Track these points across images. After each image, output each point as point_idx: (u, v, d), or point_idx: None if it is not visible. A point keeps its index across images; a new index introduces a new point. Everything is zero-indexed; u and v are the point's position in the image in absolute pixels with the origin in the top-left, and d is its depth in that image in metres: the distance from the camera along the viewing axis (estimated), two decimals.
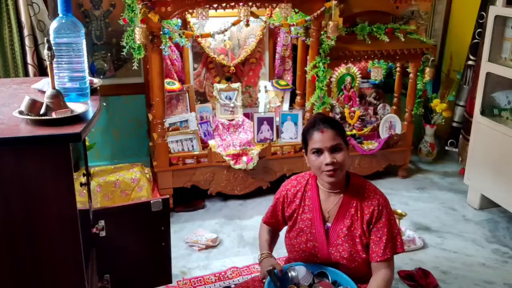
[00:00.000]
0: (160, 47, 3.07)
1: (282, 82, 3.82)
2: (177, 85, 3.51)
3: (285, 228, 2.08)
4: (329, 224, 1.90)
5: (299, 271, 1.87)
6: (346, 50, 3.48)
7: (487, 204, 3.45)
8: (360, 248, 1.85)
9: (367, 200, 1.87)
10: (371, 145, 3.79)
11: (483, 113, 3.34)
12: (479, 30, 3.75)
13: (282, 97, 3.84)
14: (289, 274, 1.87)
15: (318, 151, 1.83)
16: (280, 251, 2.15)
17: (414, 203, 3.58)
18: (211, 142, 3.51)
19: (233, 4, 3.11)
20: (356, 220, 1.86)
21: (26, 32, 3.04)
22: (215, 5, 3.08)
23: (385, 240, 1.82)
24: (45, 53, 1.36)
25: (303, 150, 1.94)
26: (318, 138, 1.83)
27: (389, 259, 1.84)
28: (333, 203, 1.91)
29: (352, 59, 3.59)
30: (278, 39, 3.82)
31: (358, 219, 1.86)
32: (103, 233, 1.91)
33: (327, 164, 1.81)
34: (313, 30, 3.36)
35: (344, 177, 1.90)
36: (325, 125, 1.84)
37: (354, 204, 1.88)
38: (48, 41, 1.35)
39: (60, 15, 1.50)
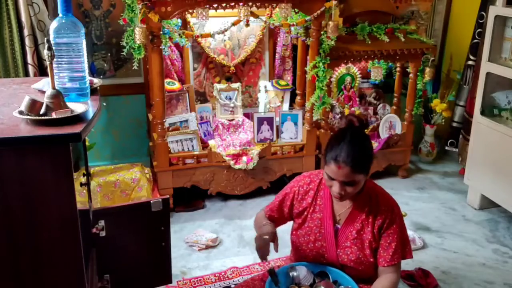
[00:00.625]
0: (160, 47, 3.07)
1: (282, 82, 3.82)
2: (177, 85, 3.51)
3: (289, 226, 2.06)
4: (338, 226, 1.90)
5: (300, 271, 1.87)
6: (346, 50, 3.47)
7: (487, 204, 3.45)
8: (369, 253, 1.84)
9: (380, 206, 1.86)
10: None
11: (483, 113, 3.34)
12: (479, 30, 3.75)
13: (282, 97, 3.84)
14: (290, 274, 1.87)
15: (331, 177, 1.78)
16: (284, 250, 2.15)
17: (414, 203, 3.58)
18: (211, 142, 3.51)
19: (233, 4, 3.11)
20: (366, 225, 1.86)
21: (26, 32, 3.04)
22: (215, 5, 3.08)
23: (395, 246, 1.82)
24: (45, 53, 1.36)
25: (323, 156, 1.90)
26: (333, 170, 1.75)
27: (396, 265, 1.84)
28: (345, 207, 1.90)
29: (352, 59, 3.59)
30: (278, 39, 3.82)
31: (369, 224, 1.85)
32: (103, 233, 1.91)
33: (334, 191, 1.80)
34: (313, 30, 3.36)
35: None
36: (345, 160, 1.71)
37: (366, 209, 1.87)
38: (48, 41, 1.35)
39: (60, 15, 1.50)
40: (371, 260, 1.85)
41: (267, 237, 1.83)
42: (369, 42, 3.52)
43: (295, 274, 1.87)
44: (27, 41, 3.06)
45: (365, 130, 1.87)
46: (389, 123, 3.90)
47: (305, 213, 1.94)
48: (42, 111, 1.34)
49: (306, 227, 1.93)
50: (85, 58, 1.54)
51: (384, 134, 3.87)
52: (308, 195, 1.95)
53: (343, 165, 1.72)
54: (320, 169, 2.04)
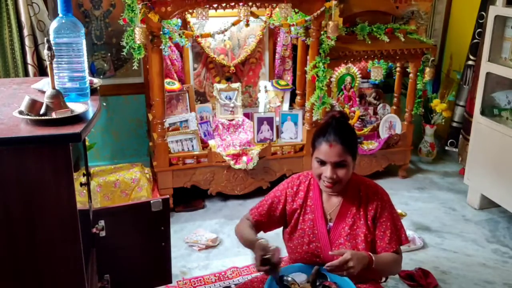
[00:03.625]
0: (160, 47, 3.07)
1: (282, 82, 3.82)
2: (177, 85, 3.51)
3: (281, 229, 2.05)
4: (331, 224, 1.90)
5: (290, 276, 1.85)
6: (346, 50, 3.47)
7: (487, 204, 3.45)
8: (363, 247, 1.85)
9: (370, 197, 1.88)
10: (371, 145, 3.79)
11: (483, 113, 3.34)
12: (479, 30, 3.75)
13: (282, 97, 3.84)
14: (285, 278, 1.85)
15: (322, 162, 1.81)
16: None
17: (414, 203, 3.58)
18: (211, 142, 3.51)
19: (233, 4, 3.11)
20: (358, 218, 1.86)
21: (26, 32, 3.04)
22: (215, 5, 3.08)
23: (389, 233, 1.85)
24: (45, 53, 1.36)
25: (310, 149, 1.90)
26: (325, 151, 1.79)
27: (395, 251, 1.86)
28: (335, 205, 1.91)
29: (352, 59, 3.59)
30: (278, 39, 3.82)
31: (361, 217, 1.86)
32: (103, 233, 1.91)
33: (326, 177, 1.80)
34: (313, 30, 3.36)
35: None
36: (336, 139, 1.77)
37: (356, 203, 1.88)
38: (48, 41, 1.35)
39: (60, 15, 1.50)
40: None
41: (272, 260, 1.70)
42: (369, 42, 3.52)
43: (289, 279, 1.85)
44: (27, 41, 3.06)
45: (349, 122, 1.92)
46: (389, 123, 3.90)
47: (296, 215, 1.94)
48: (42, 111, 1.34)
49: (299, 229, 1.93)
50: (85, 58, 1.54)
51: (384, 134, 3.87)
52: (298, 197, 1.95)
53: (334, 143, 1.77)
54: (308, 170, 2.03)
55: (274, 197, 1.98)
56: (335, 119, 1.85)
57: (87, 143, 3.11)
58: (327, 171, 1.80)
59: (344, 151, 1.78)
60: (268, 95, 3.81)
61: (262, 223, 1.98)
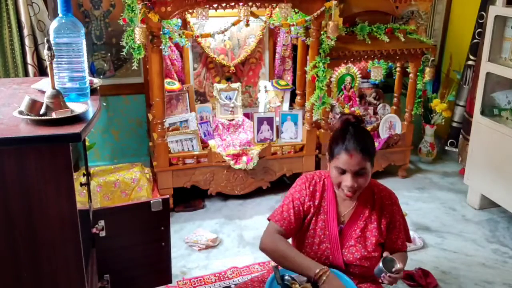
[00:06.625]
0: (160, 47, 3.07)
1: (282, 82, 3.82)
2: (177, 85, 3.51)
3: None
4: (342, 226, 1.90)
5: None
6: (346, 50, 3.47)
7: (487, 204, 3.45)
8: (372, 249, 1.86)
9: (384, 202, 1.90)
10: None
11: (483, 113, 3.34)
12: (479, 30, 3.75)
13: (282, 97, 3.84)
14: (286, 277, 1.85)
15: (342, 171, 1.79)
16: None
17: (414, 203, 3.58)
18: (211, 142, 3.51)
19: (233, 4, 3.11)
20: (370, 222, 1.88)
21: (26, 32, 3.04)
22: (215, 5, 3.08)
23: (402, 236, 1.93)
24: (45, 53, 1.36)
25: (327, 154, 1.87)
26: (345, 160, 1.76)
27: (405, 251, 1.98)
28: (349, 207, 1.91)
29: (352, 59, 3.59)
30: (278, 39, 3.82)
31: (374, 221, 1.87)
32: (103, 233, 1.91)
33: (347, 186, 1.79)
34: (313, 30, 3.36)
35: None
36: (355, 147, 1.74)
37: (369, 206, 1.89)
38: (48, 41, 1.35)
39: (60, 15, 1.50)
40: (375, 255, 1.87)
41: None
42: (369, 42, 3.52)
43: (289, 278, 1.84)
44: (27, 41, 3.06)
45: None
46: (389, 123, 3.90)
47: (310, 214, 1.92)
48: (42, 111, 1.34)
49: (311, 229, 1.91)
50: (85, 58, 1.54)
51: (384, 134, 3.87)
52: (315, 197, 1.92)
53: (354, 152, 1.75)
54: (320, 170, 2.03)
55: (294, 199, 1.92)
56: (351, 124, 1.83)
57: (87, 143, 3.12)
58: (347, 180, 1.78)
59: (364, 159, 1.76)
60: (268, 95, 3.81)
61: (291, 229, 1.91)
